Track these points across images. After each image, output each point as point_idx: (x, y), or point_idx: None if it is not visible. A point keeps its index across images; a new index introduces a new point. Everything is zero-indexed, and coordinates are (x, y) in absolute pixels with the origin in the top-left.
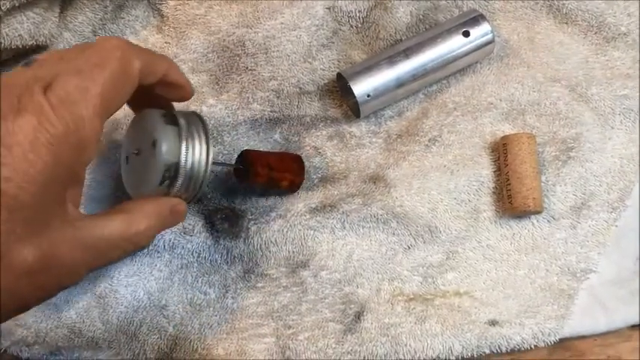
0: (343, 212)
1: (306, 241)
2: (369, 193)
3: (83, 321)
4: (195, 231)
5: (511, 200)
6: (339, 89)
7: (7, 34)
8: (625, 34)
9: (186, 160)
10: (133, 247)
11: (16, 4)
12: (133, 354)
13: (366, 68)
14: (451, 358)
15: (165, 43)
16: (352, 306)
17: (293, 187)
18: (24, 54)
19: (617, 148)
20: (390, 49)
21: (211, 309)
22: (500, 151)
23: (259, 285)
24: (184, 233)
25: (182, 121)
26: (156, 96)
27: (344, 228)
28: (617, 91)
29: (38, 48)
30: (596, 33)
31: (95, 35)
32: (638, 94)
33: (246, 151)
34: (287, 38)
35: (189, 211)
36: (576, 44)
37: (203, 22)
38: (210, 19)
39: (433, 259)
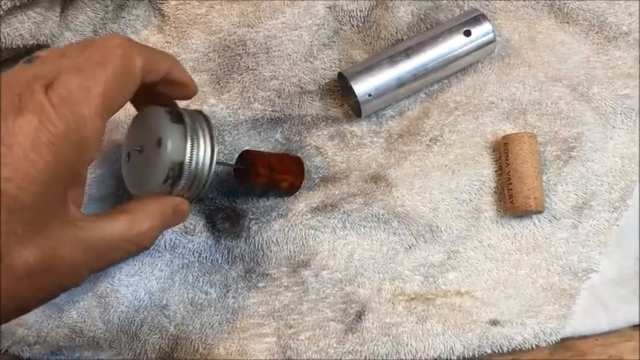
0: (344, 212)
1: (307, 240)
2: (370, 193)
3: (84, 321)
4: (196, 230)
5: (512, 200)
6: (340, 89)
7: (8, 34)
8: (626, 33)
9: (191, 160)
10: (136, 248)
11: (17, 4)
12: (134, 354)
13: (367, 68)
14: (452, 357)
15: (166, 42)
16: (353, 305)
17: (292, 189)
18: (25, 53)
19: (619, 147)
20: (391, 49)
21: (212, 309)
22: (502, 151)
23: (260, 285)
24: (185, 233)
25: (187, 120)
26: (158, 94)
27: (345, 228)
28: (618, 91)
29: (39, 47)
30: (597, 32)
31: (96, 35)
32: (639, 93)
33: (247, 151)
34: (288, 38)
35: (190, 211)
36: (577, 44)
37: (204, 21)
38: (211, 18)
39: (434, 259)
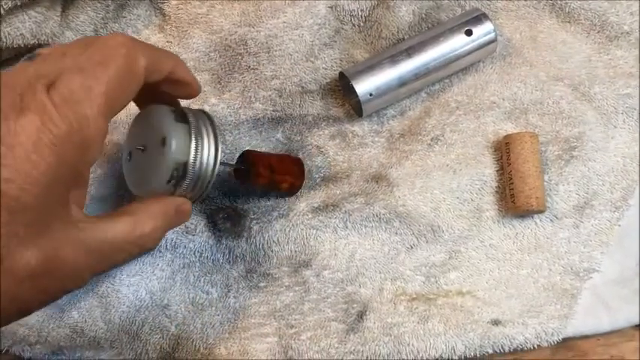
0: (346, 212)
1: (309, 240)
2: (371, 193)
3: (85, 320)
4: (197, 230)
5: (514, 199)
6: (341, 88)
7: (8, 33)
8: (628, 32)
9: (195, 160)
10: (139, 250)
11: (18, 3)
12: (135, 354)
13: (369, 67)
14: (454, 357)
15: (167, 42)
16: (355, 305)
17: (293, 190)
18: (26, 53)
19: (620, 147)
20: (393, 48)
21: (213, 308)
22: (503, 151)
23: (261, 284)
24: (186, 233)
25: (192, 119)
26: (161, 93)
27: (346, 227)
28: (619, 90)
29: (40, 47)
30: (598, 32)
31: (97, 34)
32: None
33: (248, 151)
34: (289, 37)
35: None
36: (579, 43)
37: (205, 21)
38: (212, 18)
39: (436, 259)
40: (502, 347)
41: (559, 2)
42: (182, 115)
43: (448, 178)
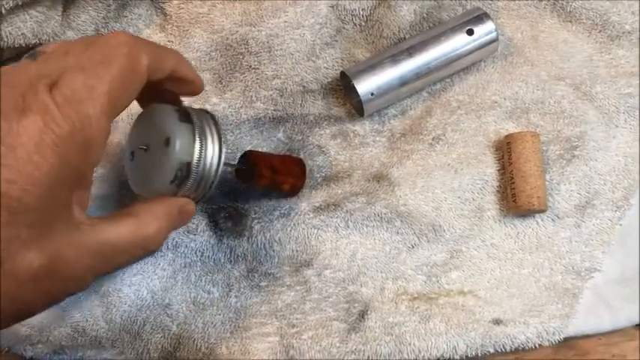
0: (347, 211)
1: (310, 240)
2: (372, 192)
3: (87, 320)
4: (198, 230)
5: (515, 199)
6: (342, 88)
7: (10, 33)
8: (629, 32)
9: (199, 160)
10: (143, 252)
11: (20, 3)
12: (136, 353)
13: (370, 67)
14: (455, 357)
15: (169, 41)
16: (356, 305)
17: (294, 191)
18: (27, 52)
19: (622, 146)
20: (394, 48)
21: (215, 308)
22: (505, 150)
23: (263, 284)
24: (188, 232)
25: (196, 119)
26: (164, 91)
27: (348, 227)
28: (621, 90)
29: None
30: (600, 31)
31: (98, 34)
32: None
33: (250, 151)
34: (290, 37)
35: None
36: (580, 42)
37: (206, 20)
38: (213, 17)
39: (437, 258)
40: (503, 346)
41: (560, 2)
42: (186, 115)
43: (449, 178)
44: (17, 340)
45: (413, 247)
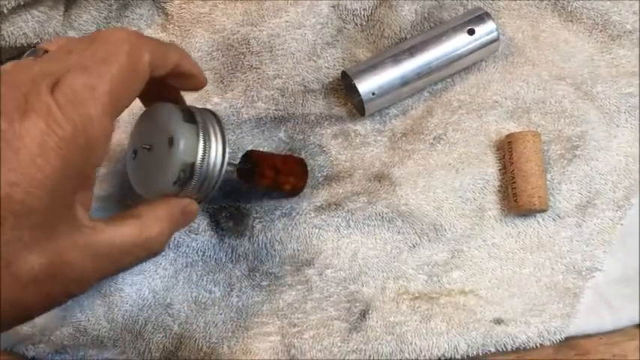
0: (348, 211)
1: (311, 239)
2: (374, 192)
3: (88, 319)
4: (200, 229)
5: (516, 198)
6: (343, 87)
7: (11, 33)
8: (630, 32)
9: (202, 161)
10: (146, 254)
11: (21, 3)
12: (138, 352)
13: (371, 66)
14: (456, 356)
15: (170, 41)
16: (357, 304)
17: (295, 191)
18: None
19: (623, 146)
20: (395, 48)
21: (216, 307)
22: (506, 150)
23: (264, 283)
24: (189, 232)
25: (199, 119)
26: (166, 88)
27: (349, 226)
28: (622, 89)
29: None
30: (601, 31)
31: None
32: None
33: (252, 151)
34: (292, 36)
35: None
36: (581, 42)
37: (207, 20)
38: (214, 17)
39: (438, 258)
40: (504, 346)
41: (561, 1)
42: (190, 115)
43: (450, 177)
44: (19, 339)
45: (414, 246)
